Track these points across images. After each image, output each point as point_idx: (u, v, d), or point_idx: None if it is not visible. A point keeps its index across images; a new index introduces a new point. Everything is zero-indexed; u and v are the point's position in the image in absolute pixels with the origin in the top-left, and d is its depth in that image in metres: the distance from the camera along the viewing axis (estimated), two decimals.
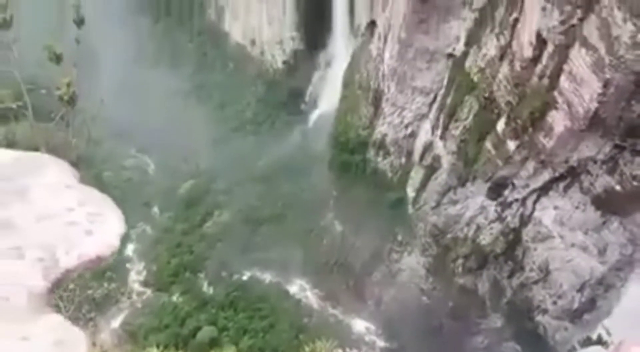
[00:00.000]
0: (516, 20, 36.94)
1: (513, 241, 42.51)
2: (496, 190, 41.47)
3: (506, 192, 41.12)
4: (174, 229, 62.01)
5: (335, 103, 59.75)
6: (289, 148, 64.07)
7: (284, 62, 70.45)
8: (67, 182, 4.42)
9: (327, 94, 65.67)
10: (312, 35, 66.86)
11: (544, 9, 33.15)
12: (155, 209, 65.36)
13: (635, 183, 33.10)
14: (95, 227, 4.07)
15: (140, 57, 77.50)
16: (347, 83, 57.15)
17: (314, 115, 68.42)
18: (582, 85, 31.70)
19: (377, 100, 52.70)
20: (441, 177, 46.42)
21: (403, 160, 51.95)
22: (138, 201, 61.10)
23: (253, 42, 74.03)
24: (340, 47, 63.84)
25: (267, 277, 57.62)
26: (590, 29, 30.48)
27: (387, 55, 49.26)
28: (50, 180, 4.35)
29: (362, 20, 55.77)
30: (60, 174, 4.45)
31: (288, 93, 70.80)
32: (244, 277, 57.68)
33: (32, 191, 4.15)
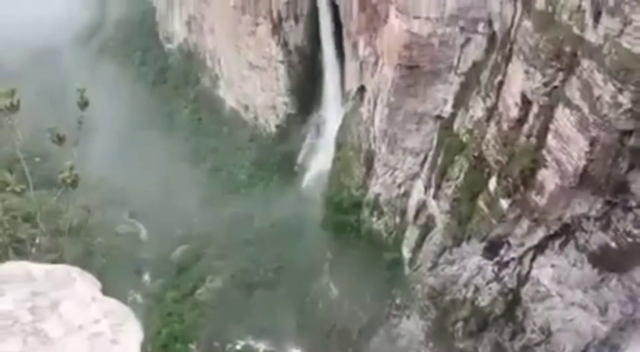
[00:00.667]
0: (501, 83, 38.30)
1: (512, 301, 41.65)
2: (492, 249, 41.16)
3: (502, 251, 40.80)
4: (164, 297, 60.51)
5: (327, 165, 60.44)
6: (282, 210, 63.98)
7: (277, 126, 71.89)
8: (93, 294, 4.86)
9: (320, 156, 66.56)
10: (304, 99, 68.75)
11: (527, 72, 34.50)
12: (147, 277, 64.09)
13: (630, 239, 33.01)
14: (119, 336, 4.51)
15: (135, 123, 78.89)
16: (339, 145, 58.10)
17: (306, 177, 68.94)
18: (569, 143, 32.39)
19: (369, 161, 53.37)
20: (436, 236, 46.17)
21: (397, 220, 51.85)
22: (129, 268, 60.02)
23: (247, 108, 75.86)
24: (331, 111, 65.53)
25: (261, 346, 55.63)
26: (573, 90, 31.60)
27: (377, 118, 50.48)
28: (78, 293, 4.78)
29: (353, 85, 57.63)
30: (87, 287, 4.89)
31: (281, 156, 71.70)
32: (238, 346, 55.66)
33: (62, 304, 4.58)
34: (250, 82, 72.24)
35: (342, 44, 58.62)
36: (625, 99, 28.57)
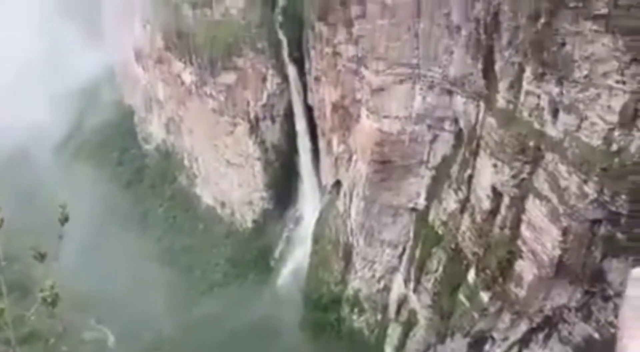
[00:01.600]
0: (470, 176, 39.61)
1: None
2: (476, 345, 39.82)
3: (487, 347, 39.47)
4: None
5: (305, 259, 59.54)
6: (258, 310, 61.51)
7: (254, 222, 71.59)
8: None
9: (297, 251, 65.74)
10: (281, 194, 69.36)
11: (495, 165, 35.92)
12: None
13: (612, 330, 32.49)
14: None
15: (107, 224, 77.56)
16: (316, 239, 57.78)
17: (283, 273, 67.42)
18: (542, 234, 32.91)
19: (347, 255, 52.89)
20: (419, 333, 44.70)
21: (379, 316, 50.33)
22: None
23: (223, 204, 75.90)
24: (308, 205, 65.99)
25: None
26: (541, 182, 32.78)
27: (353, 211, 50.94)
28: None
29: (328, 180, 58.75)
30: None
31: (257, 251, 70.58)
32: None
33: None
34: (227, 179, 72.99)
35: (317, 142, 60.63)
36: (590, 190, 29.63)
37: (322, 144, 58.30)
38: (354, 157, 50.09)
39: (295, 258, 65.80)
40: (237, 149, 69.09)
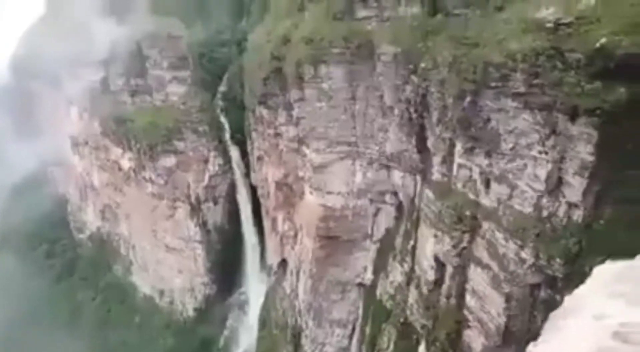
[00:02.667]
0: (414, 247, 40.18)
1: None
2: None
3: None
4: None
5: (252, 347, 56.38)
6: None
7: (196, 309, 67.90)
8: None
9: (243, 338, 62.35)
10: (224, 278, 66.83)
11: (435, 236, 36.74)
12: None
13: None
14: None
15: (34, 323, 70.86)
16: (263, 323, 55.28)
17: None
18: (487, 301, 33.29)
19: (296, 338, 50.68)
20: None
21: None
22: None
23: (162, 293, 71.85)
24: (254, 287, 63.78)
25: None
26: (480, 250, 33.70)
27: (301, 290, 49.66)
28: None
29: (274, 259, 57.54)
30: None
31: (200, 342, 66.29)
32: None
33: None
34: (166, 265, 69.78)
35: (261, 221, 60.01)
36: (527, 255, 30.68)
37: (266, 223, 57.74)
38: (300, 235, 49.76)
39: (241, 346, 62.30)
40: (177, 232, 66.93)
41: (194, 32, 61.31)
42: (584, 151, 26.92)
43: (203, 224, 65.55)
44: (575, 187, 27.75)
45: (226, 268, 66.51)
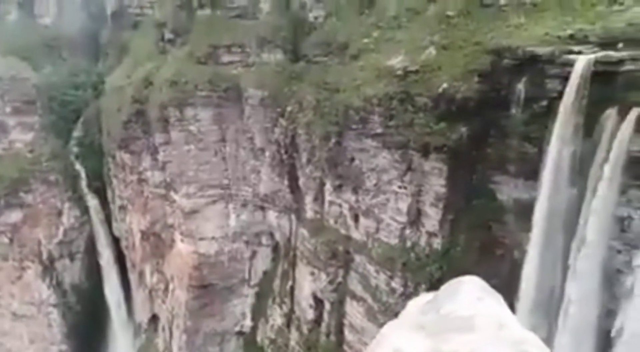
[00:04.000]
0: (292, 288, 40.66)
1: None
2: None
3: None
4: None
5: None
6: None
7: None
8: None
9: None
10: (86, 343, 60.41)
11: (312, 273, 37.70)
12: None
13: None
14: None
15: None
16: None
17: None
18: (364, 334, 34.73)
19: None
20: None
21: None
22: None
23: None
24: (121, 349, 58.51)
25: None
26: (355, 283, 35.32)
27: (175, 346, 46.91)
28: None
29: (143, 316, 53.76)
30: None
31: None
32: None
33: None
34: (14, 335, 61.12)
35: (126, 275, 55.96)
36: (397, 285, 32.89)
37: (133, 276, 54.02)
38: (171, 286, 47.38)
39: None
40: (27, 297, 59.37)
41: (43, 75, 56.82)
42: (437, 184, 30.18)
43: (58, 285, 59.05)
44: (432, 218, 30.80)
45: (88, 332, 60.26)
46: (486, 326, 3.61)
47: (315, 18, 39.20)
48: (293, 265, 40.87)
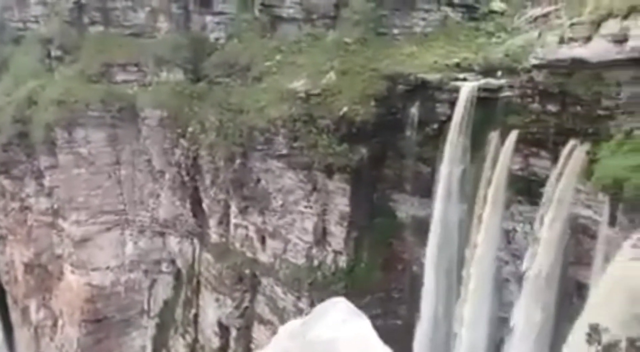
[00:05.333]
0: (196, 315, 39.56)
1: None
2: None
3: None
4: None
5: None
6: None
7: None
8: None
9: None
10: None
11: (217, 300, 37.03)
12: None
13: None
14: None
15: None
16: None
17: None
18: None
19: None
20: None
21: None
22: None
23: None
24: None
25: None
26: (262, 307, 35.28)
27: None
28: None
29: None
30: None
31: None
32: None
33: None
34: None
35: (7, 312, 50.71)
36: (304, 305, 33.38)
37: (15, 314, 49.11)
38: (60, 322, 43.85)
39: None
40: None
41: None
42: (342, 203, 31.44)
43: None
44: (337, 236, 31.94)
45: None
46: (348, 348, 3.90)
47: (217, 39, 39.26)
48: (196, 292, 39.86)
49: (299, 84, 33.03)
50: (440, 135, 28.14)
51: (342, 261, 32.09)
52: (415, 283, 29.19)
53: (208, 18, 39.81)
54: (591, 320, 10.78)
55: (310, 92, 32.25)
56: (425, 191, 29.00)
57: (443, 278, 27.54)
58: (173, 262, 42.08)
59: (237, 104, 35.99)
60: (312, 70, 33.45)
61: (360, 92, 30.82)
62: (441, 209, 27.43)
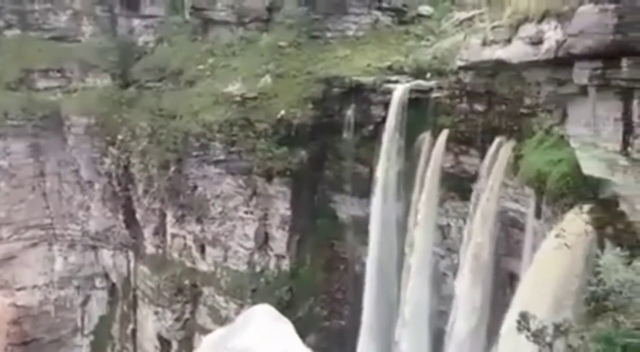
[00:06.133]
0: (134, 331, 38.33)
1: None
2: None
3: None
4: None
5: None
6: None
7: None
8: None
9: None
10: None
11: (156, 313, 36.06)
12: None
13: None
14: None
15: None
16: None
17: None
18: None
19: None
20: None
21: None
22: None
23: None
24: None
25: None
26: (204, 317, 34.80)
27: None
28: None
29: None
30: None
31: None
32: None
33: None
34: None
35: None
36: None
37: None
38: None
39: None
40: None
41: None
42: (282, 207, 31.68)
43: None
44: (280, 240, 32.14)
45: None
46: None
47: (145, 43, 38.44)
48: (133, 306, 38.70)
49: (234, 88, 32.95)
50: (376, 136, 29.03)
51: (285, 265, 32.29)
52: (358, 283, 29.88)
53: (136, 21, 38.93)
54: (521, 308, 11.58)
55: (246, 96, 32.28)
56: (364, 191, 29.81)
57: (384, 276, 28.38)
58: (107, 276, 40.61)
59: (169, 109, 35.39)
60: (247, 74, 33.50)
61: (297, 95, 31.23)
62: (379, 208, 28.28)
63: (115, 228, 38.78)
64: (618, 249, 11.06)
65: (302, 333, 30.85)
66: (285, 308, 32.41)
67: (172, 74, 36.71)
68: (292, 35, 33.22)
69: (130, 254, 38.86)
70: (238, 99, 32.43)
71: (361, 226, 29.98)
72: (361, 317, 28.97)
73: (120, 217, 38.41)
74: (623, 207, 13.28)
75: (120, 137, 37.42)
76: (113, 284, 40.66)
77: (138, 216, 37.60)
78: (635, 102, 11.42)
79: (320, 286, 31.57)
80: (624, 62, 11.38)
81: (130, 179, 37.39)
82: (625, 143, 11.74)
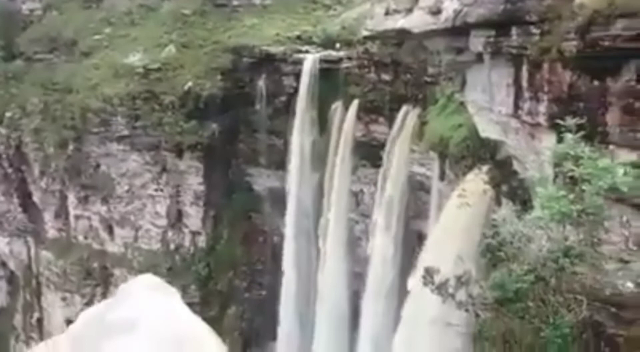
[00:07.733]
0: (40, 320, 36.65)
1: None
2: None
3: None
4: None
5: None
6: None
7: None
8: None
9: None
10: None
11: (64, 299, 34.64)
12: None
13: None
14: None
15: None
16: None
17: None
18: None
19: None
20: None
21: None
22: None
23: None
24: None
25: None
26: None
27: None
28: None
29: None
30: None
31: None
32: None
33: None
34: None
35: None
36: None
37: None
38: None
39: None
40: None
41: None
42: (195, 183, 31.36)
43: None
44: (194, 217, 31.91)
45: None
46: (148, 325, 4.14)
47: (31, 11, 35.51)
48: (37, 294, 36.77)
49: (135, 59, 31.68)
50: (289, 107, 29.39)
51: (202, 241, 32.19)
52: (277, 253, 30.60)
53: None
54: (427, 264, 12.73)
55: (149, 67, 31.20)
56: (280, 163, 30.28)
57: (302, 244, 29.32)
58: (4, 265, 38.05)
59: (64, 82, 33.38)
60: (148, 44, 32.29)
61: (205, 65, 30.68)
62: (295, 179, 28.97)
63: (10, 213, 36.27)
64: (511, 204, 12.44)
65: (224, 305, 31.45)
66: (204, 283, 32.58)
67: (65, 45, 34.45)
68: (197, 3, 32.32)
69: (30, 239, 36.62)
70: (140, 70, 31.27)
71: (278, 198, 30.55)
72: (281, 285, 29.82)
73: (15, 200, 35.96)
74: (516, 166, 14.83)
75: (8, 114, 34.82)
76: (12, 273, 38.23)
77: (36, 199, 35.46)
78: (524, 68, 12.67)
79: (239, 259, 31.91)
80: (514, 30, 12.52)
81: (24, 160, 35.07)
82: (516, 107, 13.04)
